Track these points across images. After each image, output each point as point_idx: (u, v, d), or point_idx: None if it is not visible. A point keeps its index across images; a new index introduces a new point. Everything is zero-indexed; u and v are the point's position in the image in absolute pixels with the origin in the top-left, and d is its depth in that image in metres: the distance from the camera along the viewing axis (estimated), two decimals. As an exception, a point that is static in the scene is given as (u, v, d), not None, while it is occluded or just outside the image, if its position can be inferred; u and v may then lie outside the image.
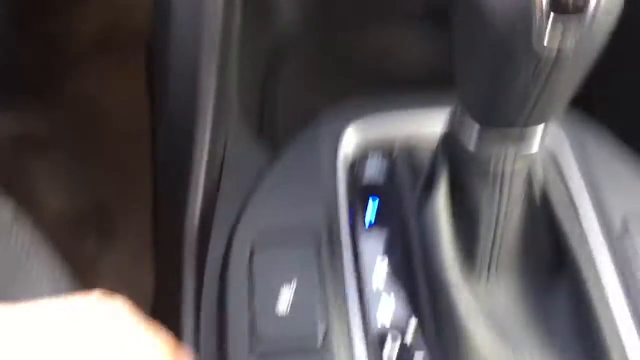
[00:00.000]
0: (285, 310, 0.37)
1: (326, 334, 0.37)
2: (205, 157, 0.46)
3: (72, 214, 0.96)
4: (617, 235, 0.41)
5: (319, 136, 0.45)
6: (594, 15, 0.27)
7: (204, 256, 0.44)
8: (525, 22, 0.27)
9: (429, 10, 0.64)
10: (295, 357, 0.36)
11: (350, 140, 0.45)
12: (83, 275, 0.44)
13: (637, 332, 0.37)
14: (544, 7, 0.27)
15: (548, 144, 0.45)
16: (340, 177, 0.43)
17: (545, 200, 0.39)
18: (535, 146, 0.35)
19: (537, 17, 0.27)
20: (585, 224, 0.41)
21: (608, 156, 0.44)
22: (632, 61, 0.53)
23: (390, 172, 0.44)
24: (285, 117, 0.61)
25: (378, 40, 0.63)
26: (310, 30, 0.65)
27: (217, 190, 0.47)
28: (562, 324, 0.38)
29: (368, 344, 0.37)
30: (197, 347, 0.41)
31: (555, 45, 0.28)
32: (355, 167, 0.44)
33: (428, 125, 0.44)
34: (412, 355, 0.37)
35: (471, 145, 0.35)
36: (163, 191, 0.51)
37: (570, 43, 0.28)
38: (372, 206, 0.43)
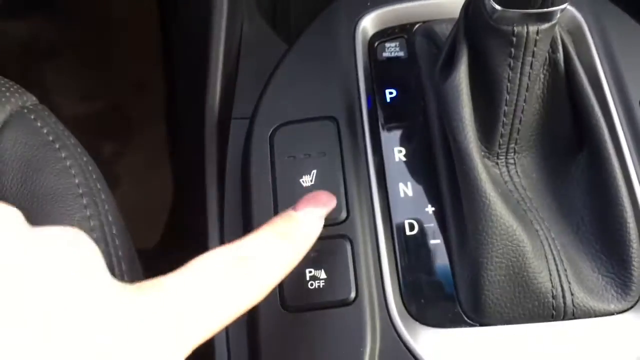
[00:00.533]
0: (310, 184, 0.39)
1: (348, 217, 0.38)
2: (222, 46, 0.46)
3: (84, 117, 0.97)
4: (637, 122, 0.41)
5: (337, 20, 0.44)
6: None
7: (224, 145, 0.44)
8: None
9: None
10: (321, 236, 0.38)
11: (368, 21, 0.44)
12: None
13: None
14: None
15: (569, 23, 0.44)
16: (360, 58, 0.42)
17: (573, 77, 0.38)
18: (554, 24, 0.34)
19: None
20: (605, 105, 0.41)
21: (631, 38, 0.44)
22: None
23: (410, 49, 0.43)
24: (296, 13, 0.60)
25: None
26: None
27: (236, 76, 0.47)
28: (578, 207, 0.39)
29: (389, 226, 0.39)
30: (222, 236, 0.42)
31: None
32: (374, 47, 0.44)
33: (448, 6, 0.43)
34: (428, 243, 0.39)
35: (493, 21, 0.34)
36: (182, 85, 0.51)
37: None
38: (390, 94, 0.43)
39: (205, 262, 0.28)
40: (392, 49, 0.44)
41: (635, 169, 0.40)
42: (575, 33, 0.44)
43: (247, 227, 0.40)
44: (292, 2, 0.60)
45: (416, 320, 0.37)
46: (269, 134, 0.41)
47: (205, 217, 0.43)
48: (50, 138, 0.38)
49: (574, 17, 0.44)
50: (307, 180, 0.39)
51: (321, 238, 0.34)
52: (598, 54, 0.43)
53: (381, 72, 0.43)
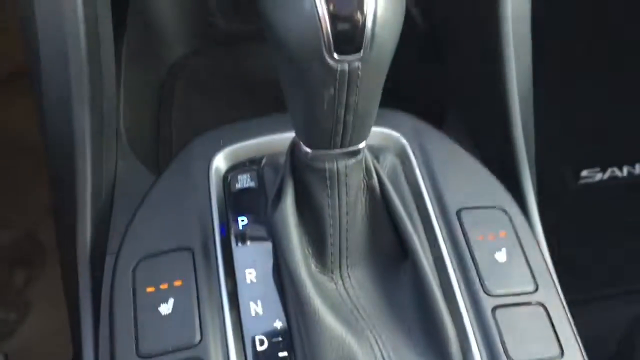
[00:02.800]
0: (168, 312, 0.43)
1: (202, 335, 0.42)
2: (89, 189, 0.50)
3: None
4: (454, 228, 0.48)
5: (192, 159, 0.50)
6: (372, 46, 0.33)
7: (99, 278, 0.48)
8: (316, 54, 0.33)
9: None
10: (175, 354, 0.42)
11: (221, 159, 0.50)
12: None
13: (471, 316, 0.44)
14: (331, 46, 0.33)
15: (394, 146, 0.51)
16: (213, 191, 0.48)
17: (386, 197, 0.45)
18: (360, 159, 0.41)
19: (327, 52, 0.33)
20: (426, 216, 0.48)
21: (447, 157, 0.51)
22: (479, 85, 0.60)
23: (260, 179, 0.49)
24: (179, 140, 0.66)
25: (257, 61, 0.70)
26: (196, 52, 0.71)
27: (110, 213, 0.52)
28: (408, 310, 0.44)
29: (241, 344, 0.43)
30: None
31: (346, 69, 0.34)
32: (227, 180, 0.50)
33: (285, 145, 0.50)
34: (277, 356, 0.43)
35: (309, 160, 0.41)
36: (58, 223, 0.55)
37: (356, 66, 0.34)
38: (242, 222, 0.49)
39: None
40: (244, 181, 0.50)
41: (452, 270, 0.46)
42: (402, 156, 0.52)
43: (113, 354, 0.43)
44: (161, 143, 0.66)
45: None
46: (131, 268, 0.45)
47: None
48: None
49: (401, 143, 0.52)
50: (165, 309, 0.44)
51: None
52: (421, 172, 0.50)
53: (234, 202, 0.49)
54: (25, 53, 0.48)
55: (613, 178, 1.06)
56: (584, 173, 1.06)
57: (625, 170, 1.06)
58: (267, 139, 0.51)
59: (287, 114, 0.46)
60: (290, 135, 0.46)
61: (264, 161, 0.51)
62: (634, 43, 0.99)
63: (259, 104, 0.57)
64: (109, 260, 0.49)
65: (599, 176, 1.06)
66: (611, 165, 1.06)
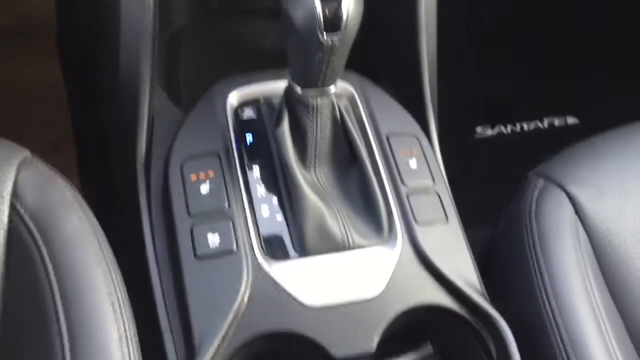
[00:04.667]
0: (206, 191, 0.68)
1: (229, 204, 0.68)
2: (145, 118, 0.74)
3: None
4: (384, 145, 0.75)
5: (214, 97, 0.75)
6: (345, 29, 0.60)
7: (149, 178, 0.73)
8: (314, 33, 0.59)
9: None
10: (212, 216, 0.67)
11: (234, 97, 0.75)
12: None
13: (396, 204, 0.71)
14: (322, 28, 0.59)
15: (347, 93, 0.78)
16: (230, 119, 0.73)
17: (344, 123, 0.72)
18: (330, 98, 0.68)
19: (320, 32, 0.59)
20: (367, 137, 0.75)
21: (381, 102, 0.79)
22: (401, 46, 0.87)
23: (259, 113, 0.75)
24: (186, 89, 0.90)
25: (251, 29, 0.94)
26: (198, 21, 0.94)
27: (151, 136, 0.76)
28: (356, 196, 0.72)
29: (252, 209, 0.69)
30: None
31: (330, 42, 0.60)
32: (238, 112, 0.75)
33: (280, 88, 0.75)
34: (276, 217, 0.69)
35: (299, 97, 0.67)
36: (117, 139, 0.78)
37: (336, 40, 0.60)
38: (249, 137, 0.74)
39: None
40: (249, 112, 0.76)
41: (384, 171, 0.73)
42: (352, 100, 0.78)
43: (169, 226, 0.68)
44: (182, 80, 0.90)
45: (270, 257, 0.67)
46: (179, 165, 0.70)
47: (141, 232, 0.71)
48: None
49: (352, 92, 0.78)
50: (204, 190, 0.69)
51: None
52: (363, 110, 0.77)
53: (243, 125, 0.74)
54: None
55: (500, 134, 1.38)
56: (478, 129, 1.38)
57: (509, 127, 1.38)
58: (264, 85, 0.76)
59: (278, 69, 0.71)
60: (281, 84, 0.72)
61: (262, 100, 0.76)
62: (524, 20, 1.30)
63: (252, 66, 0.81)
64: (155, 164, 0.73)
65: (489, 132, 1.38)
66: (498, 124, 1.38)
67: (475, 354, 0.69)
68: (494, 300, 0.70)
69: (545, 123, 1.39)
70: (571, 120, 1.39)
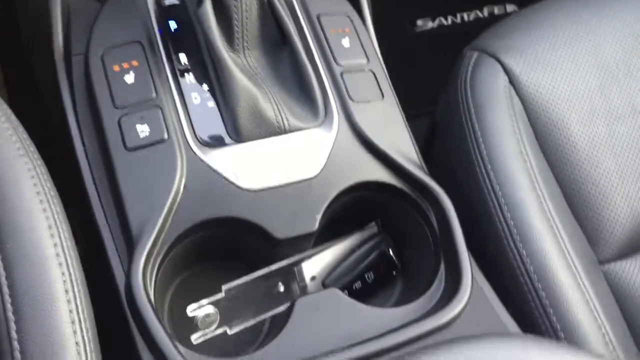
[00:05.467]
0: (132, 81, 0.65)
1: (157, 92, 0.65)
2: (59, 12, 0.70)
3: None
4: (315, 25, 0.73)
5: None
6: None
7: (71, 75, 0.69)
8: None
9: None
10: (140, 106, 0.65)
11: None
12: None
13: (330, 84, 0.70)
14: None
15: None
16: (150, 4, 0.69)
17: (271, 3, 0.69)
18: None
19: None
20: (297, 18, 0.72)
21: None
22: None
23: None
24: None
25: None
26: None
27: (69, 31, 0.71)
28: (288, 77, 0.70)
29: (181, 97, 0.66)
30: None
31: None
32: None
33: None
34: (207, 104, 0.67)
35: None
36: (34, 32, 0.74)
37: None
38: (172, 24, 0.71)
39: None
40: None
41: (315, 51, 0.71)
42: None
43: (96, 120, 0.65)
44: None
45: (204, 145, 0.65)
46: (100, 56, 0.67)
47: (68, 130, 0.68)
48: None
49: None
50: (129, 79, 0.66)
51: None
52: None
53: (165, 13, 0.71)
54: None
55: (440, 26, 1.36)
56: (419, 22, 1.35)
57: (449, 19, 1.37)
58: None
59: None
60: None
61: None
62: None
63: None
64: (76, 60, 0.69)
65: (430, 25, 1.36)
66: (439, 16, 1.36)
67: (417, 228, 0.70)
68: (437, 177, 0.70)
69: (486, 12, 1.38)
70: (510, 7, 1.38)
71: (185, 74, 0.68)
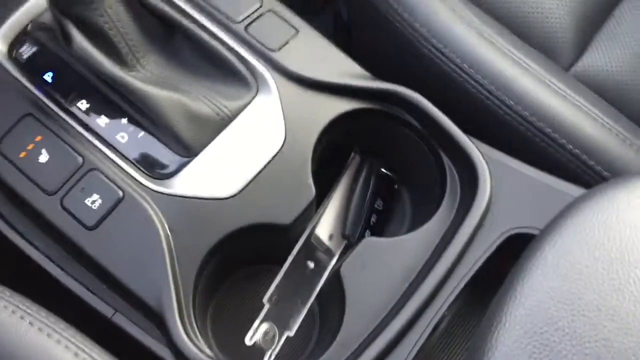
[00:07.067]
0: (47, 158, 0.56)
1: (81, 154, 0.57)
2: None
3: None
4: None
5: None
6: None
7: None
8: None
9: None
10: (74, 179, 0.56)
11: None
12: None
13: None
14: None
15: None
16: (10, 67, 0.59)
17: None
18: None
19: None
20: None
21: None
22: None
23: (38, 42, 0.60)
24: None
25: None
26: None
27: None
28: (197, 63, 0.62)
29: (114, 150, 0.58)
30: None
31: None
32: (14, 56, 0.60)
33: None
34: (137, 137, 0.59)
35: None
36: None
37: None
38: (49, 77, 0.60)
39: None
40: (28, 49, 0.61)
41: (210, 25, 0.63)
42: None
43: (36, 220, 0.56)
44: None
45: (162, 179, 0.58)
46: None
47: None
48: None
49: None
50: (43, 158, 0.57)
51: None
52: None
53: (31, 69, 0.60)
54: None
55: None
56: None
57: None
58: (20, 11, 0.61)
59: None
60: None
61: (29, 27, 0.61)
62: None
63: None
64: None
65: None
66: None
67: (400, 136, 0.66)
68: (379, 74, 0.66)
69: None
70: None
71: (95, 119, 0.59)
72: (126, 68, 0.59)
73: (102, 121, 0.59)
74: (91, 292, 0.56)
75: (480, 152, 0.61)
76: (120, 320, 0.55)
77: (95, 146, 0.58)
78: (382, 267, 0.58)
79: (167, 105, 0.58)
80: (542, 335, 0.39)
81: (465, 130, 0.62)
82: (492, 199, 0.58)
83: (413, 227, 0.63)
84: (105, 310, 0.56)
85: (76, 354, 0.45)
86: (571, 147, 0.62)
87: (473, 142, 0.62)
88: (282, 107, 0.62)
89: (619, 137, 0.63)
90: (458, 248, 0.56)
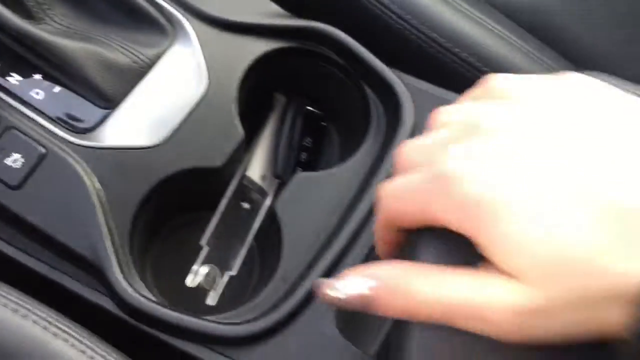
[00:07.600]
0: None
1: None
2: None
3: None
4: None
5: None
6: None
7: None
8: None
9: None
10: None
11: None
12: None
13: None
14: None
15: None
16: None
17: None
18: None
19: None
20: None
21: None
22: None
23: None
24: None
25: None
26: None
27: None
28: (107, 12, 0.60)
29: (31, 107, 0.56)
30: None
31: None
32: None
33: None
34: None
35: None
36: None
37: None
38: None
39: None
40: None
41: None
42: None
43: None
44: None
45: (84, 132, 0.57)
46: None
47: None
48: None
49: None
50: None
51: None
52: None
53: None
54: None
55: None
56: None
57: None
58: None
59: None
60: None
61: None
62: None
63: None
64: None
65: None
66: None
67: (322, 73, 0.67)
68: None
69: None
70: None
71: (6, 77, 0.57)
72: (33, 22, 0.57)
73: (14, 79, 0.57)
74: (28, 254, 0.55)
75: (401, 80, 0.63)
76: (59, 276, 0.55)
77: (10, 105, 0.56)
78: (315, 200, 0.60)
79: (81, 56, 0.56)
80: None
81: (390, 64, 0.63)
82: (416, 126, 0.60)
83: (343, 161, 0.64)
84: (43, 268, 0.55)
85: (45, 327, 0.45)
86: (487, 69, 0.65)
87: (394, 72, 0.63)
88: (202, 51, 0.61)
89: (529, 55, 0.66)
90: (384, 175, 0.58)
